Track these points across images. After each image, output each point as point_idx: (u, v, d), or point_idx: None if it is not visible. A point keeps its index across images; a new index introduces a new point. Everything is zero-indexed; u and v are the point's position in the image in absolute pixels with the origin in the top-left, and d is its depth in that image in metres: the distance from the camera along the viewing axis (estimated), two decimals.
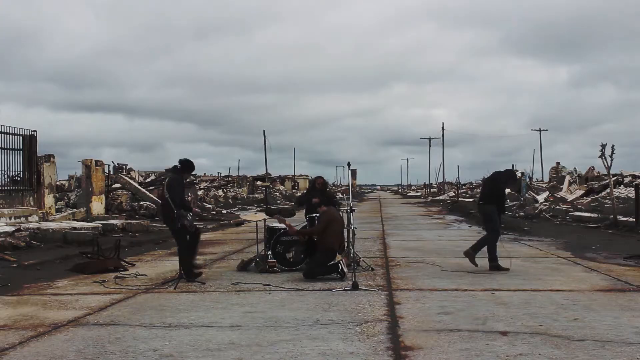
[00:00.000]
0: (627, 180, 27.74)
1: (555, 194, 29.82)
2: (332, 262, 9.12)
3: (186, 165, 9.35)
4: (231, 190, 47.44)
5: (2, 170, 16.61)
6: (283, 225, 10.47)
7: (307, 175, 77.42)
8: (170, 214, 8.93)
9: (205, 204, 31.59)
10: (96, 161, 23.00)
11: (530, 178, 42.97)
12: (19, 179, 17.58)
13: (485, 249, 9.93)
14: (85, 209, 21.77)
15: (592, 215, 20.84)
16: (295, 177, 78.65)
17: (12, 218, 15.97)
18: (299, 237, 9.82)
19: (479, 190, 52.75)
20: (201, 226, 19.88)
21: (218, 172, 64.76)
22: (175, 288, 8.41)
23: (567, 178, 33.27)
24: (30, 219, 16.69)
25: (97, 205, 22.50)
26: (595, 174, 32.64)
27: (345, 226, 10.02)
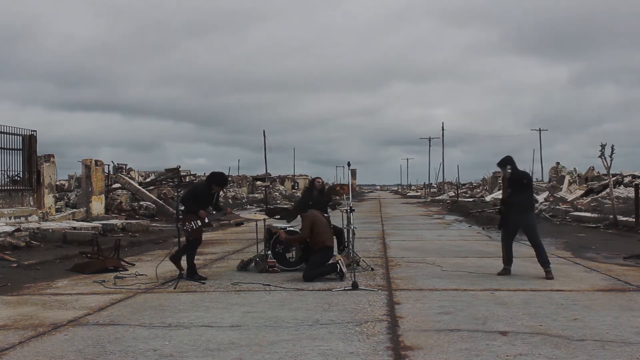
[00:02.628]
0: (627, 180, 27.72)
1: (555, 194, 29.82)
2: (331, 262, 9.13)
3: (213, 177, 9.70)
4: (231, 190, 47.43)
5: (2, 170, 16.61)
6: (283, 225, 10.49)
7: (307, 175, 77.42)
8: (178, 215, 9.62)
9: None
10: (96, 161, 23.01)
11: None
12: (18, 178, 17.58)
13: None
14: (85, 209, 21.78)
15: (592, 215, 20.83)
16: (295, 177, 78.65)
17: (12, 218, 15.97)
18: (291, 243, 9.84)
19: (478, 190, 52.38)
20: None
21: None
22: (175, 288, 8.41)
23: (567, 178, 33.27)
24: (30, 218, 16.68)
25: (97, 205, 22.51)
26: (595, 174, 32.63)
27: (345, 226, 10.02)
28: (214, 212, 9.72)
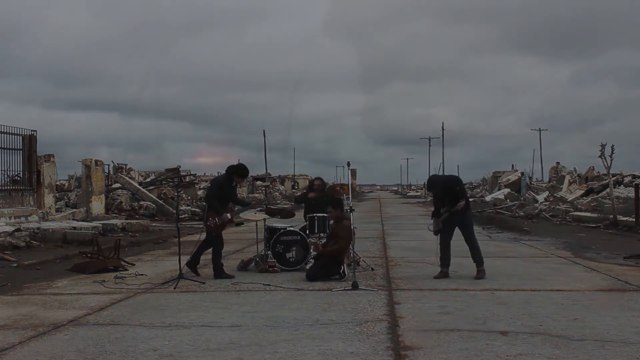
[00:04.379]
0: (627, 180, 27.73)
1: (555, 194, 29.82)
2: (336, 267, 9.12)
3: (233, 169, 9.69)
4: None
5: (2, 170, 16.61)
6: (283, 225, 10.48)
7: (307, 175, 77.40)
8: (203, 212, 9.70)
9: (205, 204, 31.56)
10: (96, 161, 23.01)
11: (530, 178, 42.99)
12: (19, 178, 17.58)
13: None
14: (85, 208, 21.78)
15: (592, 215, 20.84)
16: (295, 177, 78.65)
17: (12, 218, 15.96)
18: (324, 253, 9.24)
19: (478, 190, 52.46)
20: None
21: (218, 172, 64.72)
22: (175, 288, 8.41)
23: (567, 178, 33.28)
24: (30, 218, 16.68)
25: (97, 205, 22.51)
26: (595, 174, 32.64)
27: None
28: (238, 208, 9.92)
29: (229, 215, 9.55)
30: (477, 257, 9.28)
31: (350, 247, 9.92)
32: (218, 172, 63.90)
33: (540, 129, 75.14)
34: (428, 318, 6.43)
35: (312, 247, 9.74)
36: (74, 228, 15.73)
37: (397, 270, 10.14)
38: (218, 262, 9.44)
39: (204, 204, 9.76)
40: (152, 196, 27.14)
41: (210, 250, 9.63)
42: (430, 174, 9.74)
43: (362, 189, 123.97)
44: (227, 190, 9.65)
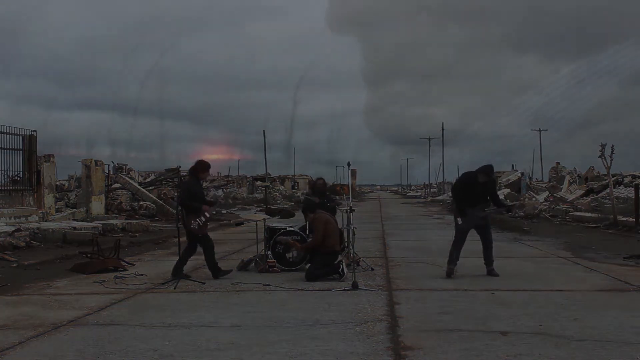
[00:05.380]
0: (627, 180, 27.75)
1: (555, 194, 29.83)
2: (334, 263, 9.14)
3: (195, 168, 9.55)
4: (231, 190, 47.42)
5: (2, 170, 16.61)
6: (283, 225, 10.48)
7: (307, 176, 77.37)
8: (179, 215, 9.45)
9: None
10: (96, 161, 23.00)
11: (530, 178, 43.00)
12: (19, 179, 17.58)
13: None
14: (85, 209, 21.77)
15: (592, 215, 20.84)
16: (295, 177, 78.64)
17: (12, 218, 15.96)
18: (304, 251, 9.71)
19: None
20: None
21: (218, 172, 64.71)
22: (175, 288, 8.41)
23: (567, 178, 33.30)
24: (30, 218, 16.68)
25: (97, 205, 22.49)
26: (595, 174, 32.66)
27: (345, 226, 10.02)
28: (210, 205, 9.86)
29: (207, 213, 9.40)
30: (490, 257, 9.54)
31: (350, 247, 9.95)
32: (218, 173, 64.14)
33: (540, 129, 75.11)
34: (428, 318, 6.44)
35: (292, 246, 9.89)
36: (74, 228, 15.73)
37: (397, 270, 10.14)
38: (213, 262, 9.39)
39: (180, 209, 9.52)
40: (152, 196, 27.15)
41: (198, 253, 9.57)
42: (488, 164, 9.55)
43: (362, 189, 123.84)
44: (198, 190, 9.57)
